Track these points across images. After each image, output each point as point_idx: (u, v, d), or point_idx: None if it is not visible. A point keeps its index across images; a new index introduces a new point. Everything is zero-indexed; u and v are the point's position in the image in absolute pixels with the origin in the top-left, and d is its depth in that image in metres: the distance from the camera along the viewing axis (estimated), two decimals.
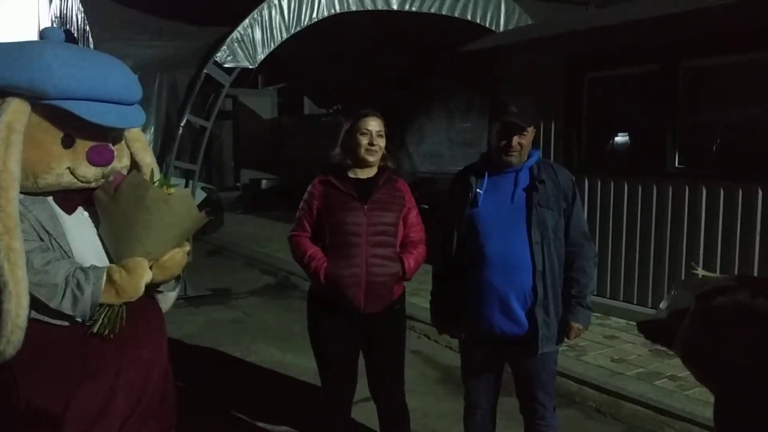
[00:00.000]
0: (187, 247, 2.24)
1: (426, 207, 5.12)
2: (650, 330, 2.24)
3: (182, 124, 7.13)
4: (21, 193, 2.07)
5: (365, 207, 2.89)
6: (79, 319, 2.03)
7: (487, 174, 2.85)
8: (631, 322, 5.96)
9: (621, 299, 6.23)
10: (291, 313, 6.90)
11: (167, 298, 2.41)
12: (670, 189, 5.84)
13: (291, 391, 4.72)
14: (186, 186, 7.33)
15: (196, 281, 7.42)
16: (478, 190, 2.84)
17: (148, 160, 2.36)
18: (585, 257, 2.84)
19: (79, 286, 1.99)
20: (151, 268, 2.11)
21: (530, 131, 2.81)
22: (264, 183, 19.07)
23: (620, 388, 4.51)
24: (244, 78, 8.66)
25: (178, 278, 2.32)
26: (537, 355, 2.77)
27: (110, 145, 2.18)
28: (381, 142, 2.97)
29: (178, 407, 2.49)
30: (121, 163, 2.25)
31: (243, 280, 8.54)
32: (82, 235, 2.14)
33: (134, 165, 2.33)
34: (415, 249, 3.03)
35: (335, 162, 3.00)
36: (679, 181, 5.78)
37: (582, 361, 5.04)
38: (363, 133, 2.94)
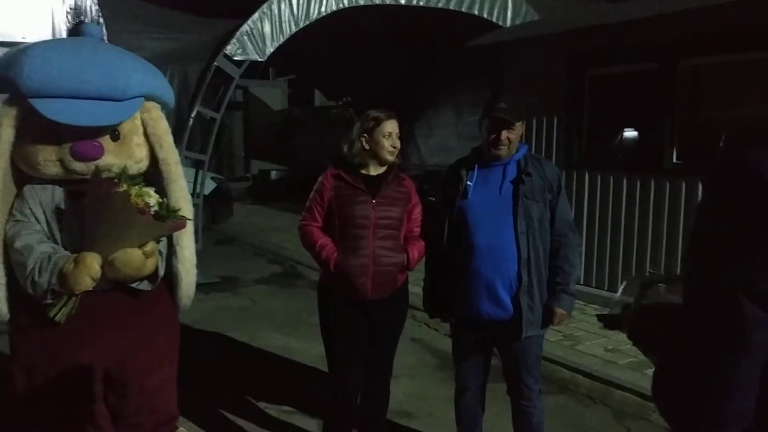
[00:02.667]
0: (148, 248, 2.25)
1: (433, 200, 5.27)
2: (606, 319, 2.39)
3: (192, 115, 7.30)
4: (36, 179, 2.28)
5: (374, 201, 3.06)
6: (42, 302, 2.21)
7: (477, 167, 3.01)
8: None
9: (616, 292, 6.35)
10: (297, 301, 7.09)
11: (180, 297, 2.53)
12: (668, 184, 5.96)
13: (296, 375, 4.90)
14: (196, 176, 7.54)
15: (206, 269, 7.55)
16: (468, 182, 2.99)
17: (162, 155, 2.46)
18: (569, 246, 2.99)
19: (40, 270, 2.16)
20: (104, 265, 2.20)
21: (518, 126, 2.96)
22: (273, 174, 19.26)
23: (611, 376, 4.66)
24: (256, 69, 8.82)
25: (153, 279, 2.38)
26: (521, 338, 2.93)
27: (98, 140, 2.27)
28: (399, 144, 3.13)
29: (180, 397, 2.63)
30: (128, 158, 2.33)
31: (251, 269, 8.73)
32: (77, 224, 2.27)
33: (154, 159, 2.45)
34: (417, 242, 3.19)
35: (348, 158, 3.13)
36: (677, 176, 5.89)
37: (576, 350, 5.19)
38: (385, 136, 3.09)
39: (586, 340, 5.40)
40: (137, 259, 2.23)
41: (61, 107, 2.17)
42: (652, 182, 6.07)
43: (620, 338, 5.49)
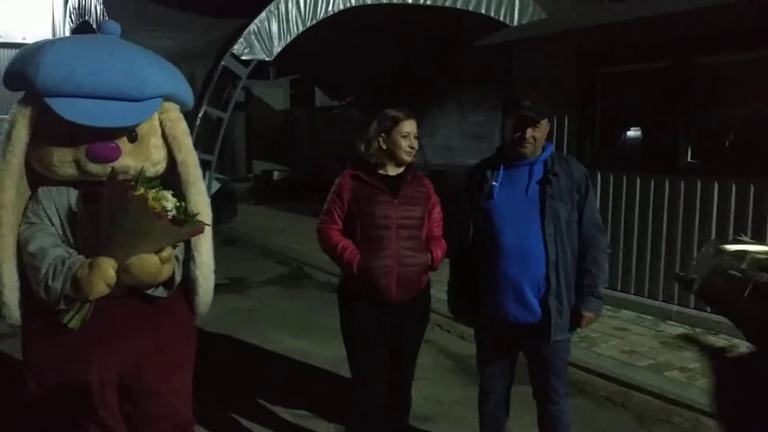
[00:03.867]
0: (165, 254, 2.17)
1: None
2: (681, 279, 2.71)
3: (200, 115, 7.25)
4: (53, 181, 2.21)
5: (395, 200, 3.00)
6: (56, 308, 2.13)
7: (502, 167, 2.94)
8: (642, 315, 6.05)
9: (632, 292, 6.30)
10: (306, 302, 7.03)
11: (198, 304, 2.45)
12: (682, 184, 5.89)
13: (311, 378, 4.83)
14: (204, 177, 7.46)
15: None
16: (493, 182, 2.92)
17: (180, 157, 2.37)
18: (597, 248, 2.92)
19: (54, 275, 2.08)
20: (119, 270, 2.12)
21: (543, 124, 2.89)
22: (276, 174, 19.19)
23: (630, 378, 4.59)
24: (257, 69, 8.77)
25: (169, 285, 2.31)
26: (550, 342, 2.87)
27: (115, 141, 2.19)
28: (416, 144, 3.07)
29: (195, 404, 2.56)
30: (138, 161, 2.24)
31: (258, 270, 8.67)
32: (93, 226, 2.19)
33: (172, 161, 2.36)
34: (439, 242, 3.13)
35: (365, 158, 3.07)
36: (692, 176, 5.83)
37: (593, 352, 5.12)
38: (404, 136, 3.02)
39: (602, 341, 5.33)
40: (153, 264, 2.14)
41: (78, 107, 2.10)
42: (667, 182, 6.01)
43: (637, 339, 5.44)
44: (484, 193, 2.92)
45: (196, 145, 7.69)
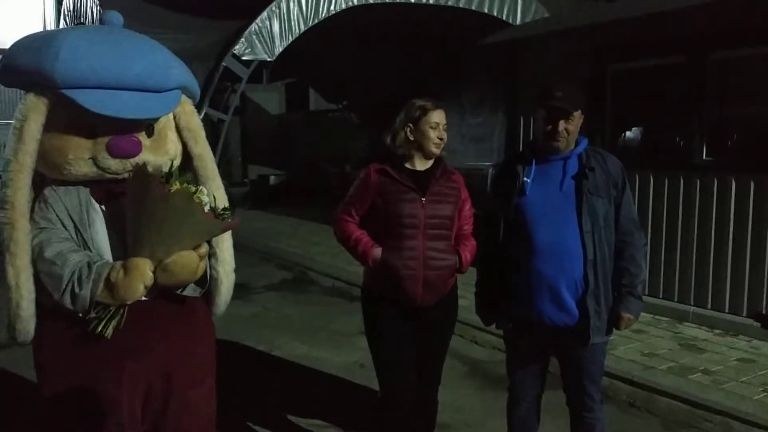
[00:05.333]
0: (202, 250, 2.07)
1: None
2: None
3: (201, 117, 7.08)
4: (58, 181, 2.05)
5: (423, 199, 2.83)
6: (81, 315, 1.97)
7: (534, 162, 2.79)
8: (657, 316, 5.91)
9: (647, 293, 6.14)
10: (312, 308, 6.87)
11: (218, 303, 2.34)
12: (698, 182, 5.77)
13: (323, 386, 4.68)
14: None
15: None
16: (525, 178, 2.77)
17: (197, 151, 2.26)
18: (635, 246, 2.78)
19: (80, 281, 1.93)
20: (156, 270, 1.98)
21: (577, 116, 2.74)
22: (272, 179, 19.01)
23: (654, 382, 4.44)
24: (251, 74, 8.61)
25: (202, 283, 2.19)
26: (588, 345, 2.72)
27: (136, 135, 2.07)
28: (446, 136, 2.91)
29: (217, 415, 2.42)
30: (158, 155, 2.13)
31: (259, 275, 8.49)
32: (109, 228, 2.07)
33: (187, 156, 2.25)
34: (468, 242, 2.97)
35: (392, 150, 2.91)
36: (707, 173, 5.71)
37: (612, 355, 4.96)
38: (432, 127, 2.87)
39: (620, 344, 5.18)
40: (194, 261, 2.01)
41: (103, 98, 1.95)
42: (681, 179, 5.88)
43: (655, 341, 5.31)
44: (515, 189, 2.77)
45: None
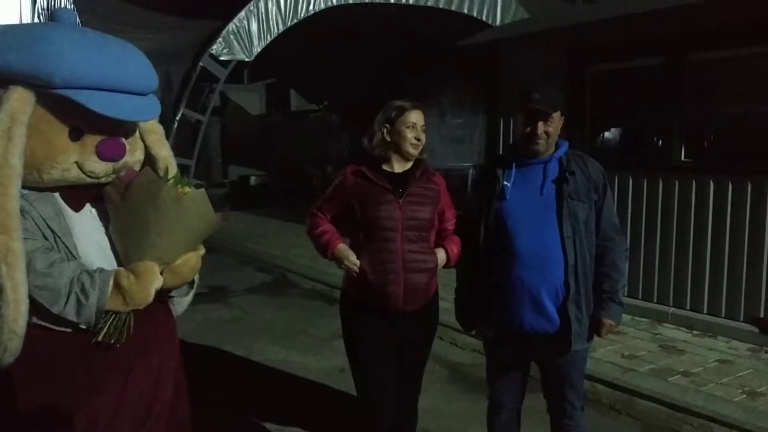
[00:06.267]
0: (202, 251, 2.08)
1: None
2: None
3: (177, 118, 6.99)
4: (26, 188, 1.92)
5: (399, 200, 2.78)
6: (83, 327, 1.88)
7: (514, 166, 2.75)
8: (637, 318, 5.92)
9: (626, 294, 6.15)
10: (291, 311, 6.80)
11: (181, 303, 2.27)
12: (677, 183, 5.78)
13: (302, 391, 4.61)
14: None
15: None
16: (505, 182, 2.73)
17: (164, 153, 2.21)
18: (616, 251, 2.74)
19: (83, 290, 1.84)
20: (162, 273, 1.96)
21: (556, 118, 2.70)
22: (253, 180, 18.88)
23: (634, 384, 4.44)
24: (232, 74, 8.52)
25: (191, 283, 2.17)
26: (569, 353, 2.68)
27: (122, 138, 2.02)
28: (424, 137, 2.85)
29: (191, 419, 2.34)
30: (133, 157, 2.09)
31: (239, 278, 8.40)
32: (89, 235, 1.99)
33: (149, 159, 2.18)
34: (454, 237, 2.92)
35: (368, 151, 2.85)
36: (686, 174, 5.72)
37: (592, 358, 4.93)
38: (409, 127, 2.81)
39: (600, 346, 5.17)
40: (198, 262, 2.04)
41: (104, 99, 1.88)
42: (660, 181, 5.89)
43: (635, 343, 5.31)
44: (495, 193, 2.73)
45: (174, 148, 7.45)
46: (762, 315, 5.29)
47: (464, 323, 2.95)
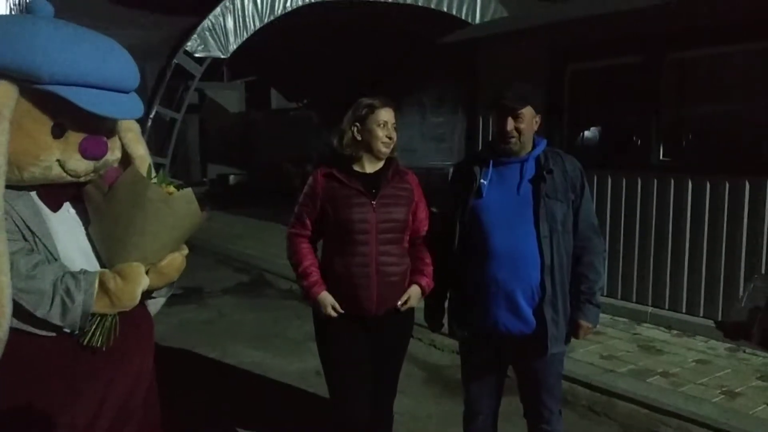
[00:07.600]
0: (185, 251, 2.07)
1: None
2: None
3: (151, 116, 6.85)
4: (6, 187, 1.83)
5: (373, 203, 2.69)
6: (68, 330, 1.83)
7: (491, 164, 2.68)
8: (616, 318, 5.90)
9: (605, 294, 6.12)
10: (267, 313, 6.69)
11: (156, 303, 2.22)
12: (655, 182, 5.76)
13: (276, 395, 4.51)
14: None
15: None
16: (482, 180, 2.67)
17: (141, 152, 2.16)
18: (594, 252, 2.68)
19: (69, 293, 1.79)
20: (147, 273, 1.92)
21: (527, 114, 2.62)
22: (232, 178, 18.72)
23: (613, 386, 4.39)
24: (211, 71, 8.41)
25: (171, 283, 2.12)
26: (545, 355, 2.62)
27: (104, 137, 1.96)
28: (395, 135, 2.77)
29: (162, 418, 2.29)
30: (113, 155, 2.03)
31: (215, 279, 8.27)
32: (69, 235, 1.93)
33: (125, 157, 2.11)
34: (425, 265, 2.83)
35: (339, 152, 2.77)
36: (664, 174, 5.71)
37: (570, 358, 4.88)
38: (380, 125, 2.72)
39: (579, 346, 5.12)
40: (183, 262, 2.02)
41: (91, 96, 1.81)
42: (639, 180, 5.87)
43: (614, 343, 5.27)
44: (472, 191, 2.66)
45: (148, 147, 7.33)
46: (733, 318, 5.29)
47: (431, 323, 2.90)
